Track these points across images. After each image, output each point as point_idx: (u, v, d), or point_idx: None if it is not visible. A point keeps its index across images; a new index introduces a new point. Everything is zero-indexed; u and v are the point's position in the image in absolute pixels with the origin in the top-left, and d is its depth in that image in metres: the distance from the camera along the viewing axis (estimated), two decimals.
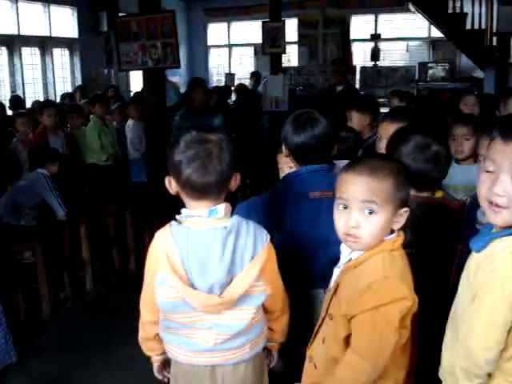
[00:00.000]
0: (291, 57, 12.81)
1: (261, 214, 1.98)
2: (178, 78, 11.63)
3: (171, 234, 1.73)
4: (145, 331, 1.98)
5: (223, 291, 1.73)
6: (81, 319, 4.53)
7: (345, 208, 1.60)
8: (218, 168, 1.67)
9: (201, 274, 1.72)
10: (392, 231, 1.63)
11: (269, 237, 1.80)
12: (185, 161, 1.67)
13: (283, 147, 2.32)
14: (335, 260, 2.14)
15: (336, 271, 1.74)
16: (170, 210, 4.87)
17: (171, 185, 1.75)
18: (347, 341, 1.61)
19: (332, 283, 1.73)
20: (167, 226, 1.77)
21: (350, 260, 1.65)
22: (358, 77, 11.45)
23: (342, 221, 1.61)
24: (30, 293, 4.44)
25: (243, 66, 14.30)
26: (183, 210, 1.76)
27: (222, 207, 1.74)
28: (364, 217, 1.57)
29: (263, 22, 9.77)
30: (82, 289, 5.02)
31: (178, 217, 1.77)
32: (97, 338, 4.14)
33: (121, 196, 5.60)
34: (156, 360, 2.05)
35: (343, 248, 1.70)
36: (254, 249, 1.75)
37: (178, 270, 1.70)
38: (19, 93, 8.95)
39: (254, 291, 1.78)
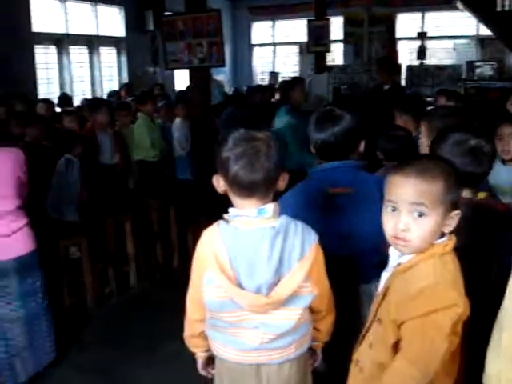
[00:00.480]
0: (336, 55, 12.74)
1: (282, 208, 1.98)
2: (222, 76, 11.69)
3: (219, 234, 1.73)
4: (191, 328, 2.00)
5: (270, 291, 1.73)
6: (125, 314, 4.60)
7: (393, 210, 1.58)
8: (266, 165, 1.67)
9: (248, 274, 1.71)
10: (443, 234, 1.60)
11: (317, 237, 1.78)
12: (232, 158, 1.67)
13: (310, 144, 2.37)
14: (353, 257, 2.17)
15: (384, 275, 1.71)
16: (214, 208, 4.91)
17: (219, 183, 1.75)
18: (395, 347, 1.59)
19: (381, 287, 1.71)
20: (215, 224, 1.77)
21: (400, 264, 1.63)
22: (403, 75, 11.30)
23: (391, 224, 1.58)
24: (76, 287, 4.54)
25: (287, 65, 14.29)
26: (231, 210, 1.76)
27: (271, 207, 1.73)
28: (413, 219, 1.54)
29: (308, 21, 9.75)
30: (126, 284, 5.10)
31: (225, 216, 1.77)
32: (140, 333, 4.20)
33: (166, 192, 5.67)
34: (200, 357, 2.07)
35: (392, 251, 1.67)
36: (302, 249, 1.74)
37: (226, 269, 1.70)
38: (67, 90, 9.15)
39: (301, 292, 1.77)
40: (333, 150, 2.27)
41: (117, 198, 5.20)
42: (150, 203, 5.37)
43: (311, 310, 1.91)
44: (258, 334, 1.79)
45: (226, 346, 1.86)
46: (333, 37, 10.25)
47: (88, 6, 9.96)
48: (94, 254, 4.62)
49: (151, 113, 6.26)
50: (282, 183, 1.75)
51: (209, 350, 2.00)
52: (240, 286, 1.72)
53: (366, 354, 1.72)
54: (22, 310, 3.45)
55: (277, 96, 9.72)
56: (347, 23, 12.16)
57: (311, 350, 2.04)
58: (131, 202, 5.30)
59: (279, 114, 5.11)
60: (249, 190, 1.69)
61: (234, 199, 1.75)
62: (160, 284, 5.24)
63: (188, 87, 8.98)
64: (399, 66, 11.27)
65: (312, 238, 1.77)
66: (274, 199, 1.77)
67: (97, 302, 4.66)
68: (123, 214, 5.00)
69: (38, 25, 8.72)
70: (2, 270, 3.32)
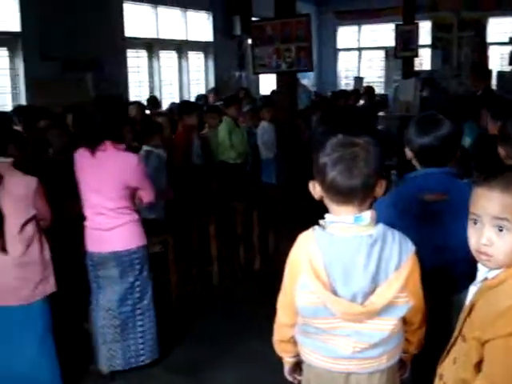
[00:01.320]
0: (423, 60, 12.49)
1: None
2: (306, 80, 11.70)
3: (314, 239, 1.72)
4: (280, 333, 1.99)
5: (365, 300, 1.71)
6: (207, 313, 4.69)
7: (475, 223, 1.53)
8: (364, 171, 1.64)
9: (344, 281, 1.70)
10: None
11: (414, 248, 1.75)
12: (330, 163, 1.66)
13: (406, 149, 2.33)
14: (447, 266, 2.13)
15: (472, 289, 1.65)
16: (296, 212, 4.90)
17: (315, 189, 1.74)
18: (479, 365, 1.53)
19: (467, 302, 1.66)
20: (310, 230, 1.76)
21: (486, 279, 1.57)
22: (494, 82, 10.92)
23: (475, 237, 1.53)
24: (160, 284, 4.63)
25: (372, 70, 14.15)
26: (327, 215, 1.75)
27: (368, 214, 1.71)
28: (496, 234, 1.48)
29: (396, 25, 9.60)
30: (208, 284, 5.20)
31: (321, 221, 1.76)
32: (222, 333, 4.29)
33: (249, 195, 5.73)
34: (288, 362, 2.06)
35: (480, 265, 1.62)
36: (399, 259, 1.71)
37: (321, 275, 1.69)
38: (156, 93, 9.43)
39: (396, 302, 1.74)
40: (434, 155, 2.25)
41: (202, 199, 5.31)
42: (234, 206, 5.45)
43: (404, 321, 1.87)
44: (350, 342, 1.77)
45: (315, 352, 1.85)
46: (420, 42, 10.03)
47: (178, 11, 10.23)
48: (179, 252, 4.72)
49: (236, 116, 6.34)
50: (379, 190, 1.73)
51: (297, 355, 1.99)
52: (334, 292, 1.70)
53: (449, 370, 1.67)
54: (116, 304, 3.60)
55: (361, 101, 9.65)
56: (435, 28, 11.94)
57: (400, 361, 2.01)
58: (216, 204, 5.40)
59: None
60: (346, 196, 1.68)
61: (331, 206, 1.74)
62: (241, 285, 5.32)
63: (273, 91, 9.09)
64: (490, 72, 10.93)
65: (409, 247, 1.74)
66: (370, 206, 1.76)
67: (180, 300, 4.76)
68: (208, 215, 5.10)
69: (131, 30, 9.04)
70: (102, 260, 3.55)
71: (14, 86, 7.48)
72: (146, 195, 3.62)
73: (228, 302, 4.93)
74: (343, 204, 1.70)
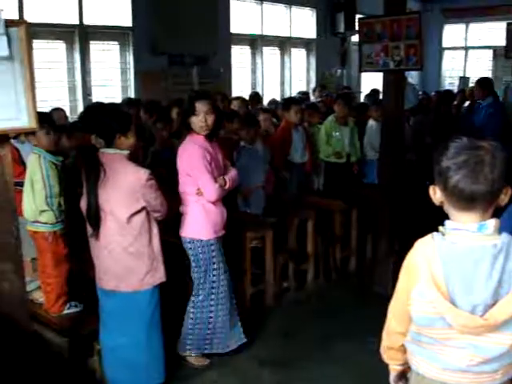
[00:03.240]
0: None
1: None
2: (409, 79, 11.41)
3: (435, 246, 1.67)
4: (390, 340, 1.95)
5: (486, 313, 1.63)
6: (300, 309, 4.70)
7: None
8: (489, 177, 1.57)
9: (464, 292, 1.63)
10: None
11: None
12: (453, 167, 1.60)
13: None
14: None
15: None
16: (398, 214, 4.75)
17: (435, 194, 1.69)
18: None
19: None
20: (429, 236, 1.71)
21: None
22: None
23: None
24: (255, 278, 4.68)
25: (479, 70, 13.60)
26: (447, 222, 1.69)
27: (492, 223, 1.63)
28: None
29: (508, 23, 9.18)
30: (302, 281, 5.19)
31: (441, 228, 1.70)
32: (314, 330, 4.27)
33: (349, 195, 5.66)
34: (395, 370, 2.02)
35: None
36: None
37: (441, 285, 1.64)
38: (258, 89, 9.51)
39: None
40: None
41: (302, 196, 5.31)
42: (333, 205, 5.40)
43: None
44: (466, 355, 1.70)
45: (428, 362, 1.79)
46: None
47: (283, 8, 10.26)
48: (276, 248, 4.74)
49: (340, 113, 6.22)
50: (504, 197, 1.65)
51: (405, 363, 1.95)
52: (453, 303, 1.64)
53: None
54: (198, 289, 3.69)
55: (467, 102, 9.30)
56: None
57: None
58: (315, 202, 5.37)
59: None
60: (469, 201, 1.61)
61: (451, 212, 1.68)
62: (335, 285, 5.30)
63: (372, 90, 8.95)
64: None
65: None
66: (494, 214, 1.68)
67: (275, 295, 4.78)
68: (307, 213, 5.08)
69: (236, 26, 9.16)
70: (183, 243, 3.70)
71: (124, 79, 7.78)
72: (204, 190, 3.55)
73: (320, 301, 4.91)
74: (466, 210, 1.64)
